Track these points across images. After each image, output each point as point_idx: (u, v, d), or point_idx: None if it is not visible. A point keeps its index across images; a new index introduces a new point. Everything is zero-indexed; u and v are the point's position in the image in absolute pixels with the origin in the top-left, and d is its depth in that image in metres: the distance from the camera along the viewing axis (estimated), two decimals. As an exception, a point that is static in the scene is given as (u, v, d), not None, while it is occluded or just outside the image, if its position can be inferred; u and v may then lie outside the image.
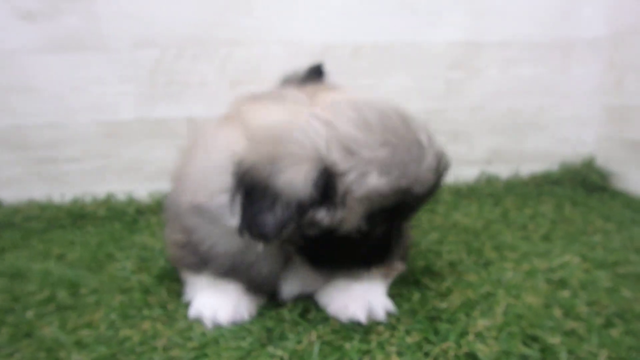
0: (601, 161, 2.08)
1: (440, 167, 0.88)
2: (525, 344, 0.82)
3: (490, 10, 2.02)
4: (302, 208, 0.78)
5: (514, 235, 1.46)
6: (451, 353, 0.81)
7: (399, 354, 0.82)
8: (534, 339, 0.84)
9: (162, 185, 1.70)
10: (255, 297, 1.01)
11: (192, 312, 0.99)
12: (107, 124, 1.88)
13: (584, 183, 2.03)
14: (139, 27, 1.82)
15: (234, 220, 0.82)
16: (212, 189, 0.87)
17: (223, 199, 0.85)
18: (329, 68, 1.94)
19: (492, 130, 2.11)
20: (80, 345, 0.90)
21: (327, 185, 0.79)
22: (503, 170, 2.12)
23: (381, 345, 0.84)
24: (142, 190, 1.91)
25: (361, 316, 0.92)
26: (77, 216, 1.76)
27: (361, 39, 1.97)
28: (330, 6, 1.93)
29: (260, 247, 0.89)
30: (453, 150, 2.08)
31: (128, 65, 1.84)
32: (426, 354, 0.81)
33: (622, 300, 0.98)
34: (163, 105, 1.91)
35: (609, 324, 0.89)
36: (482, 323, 0.89)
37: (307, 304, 1.01)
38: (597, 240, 1.37)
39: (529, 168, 2.12)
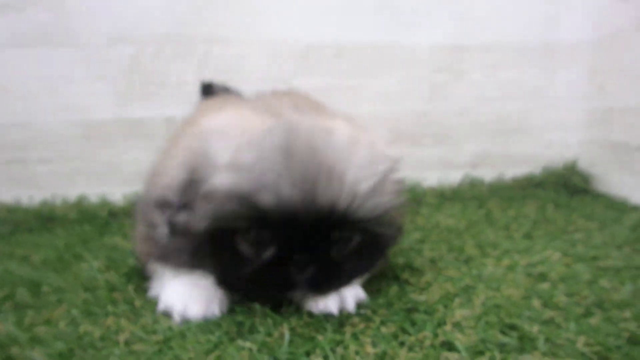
0: (584, 164, 2.08)
1: (317, 189, 0.76)
2: (503, 332, 0.79)
3: (475, 13, 2.02)
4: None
5: (497, 234, 1.44)
6: (427, 342, 0.77)
7: (374, 344, 0.78)
8: (512, 327, 0.81)
9: (138, 187, 1.66)
10: (228, 294, 0.97)
11: (161, 305, 0.94)
12: (80, 124, 1.83)
13: (566, 186, 2.02)
14: (113, 23, 1.78)
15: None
16: (172, 185, 0.88)
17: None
18: (312, 68, 1.94)
19: (477, 133, 2.10)
20: (35, 341, 0.84)
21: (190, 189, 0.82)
22: (488, 174, 2.11)
23: (355, 336, 0.81)
24: (117, 193, 1.86)
25: (332, 307, 0.89)
26: (45, 219, 1.70)
27: (345, 39, 1.95)
28: (313, 5, 1.91)
29: None
30: (439, 154, 2.09)
31: (102, 62, 1.80)
32: (401, 344, 0.78)
33: (601, 290, 0.96)
34: (139, 105, 1.86)
35: (587, 313, 0.86)
36: (460, 313, 0.86)
37: (280, 298, 0.97)
38: (578, 238, 1.36)
39: (513, 172, 2.11)
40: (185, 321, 0.89)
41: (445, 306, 0.90)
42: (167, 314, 0.92)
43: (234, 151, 0.79)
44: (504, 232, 1.46)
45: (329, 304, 0.90)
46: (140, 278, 1.10)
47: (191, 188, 0.82)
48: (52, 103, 1.80)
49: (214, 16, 1.86)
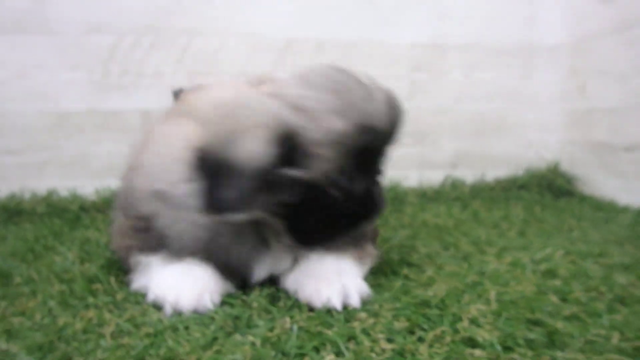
0: (566, 165, 2.07)
1: (392, 101, 0.88)
2: (528, 328, 0.74)
3: (455, 14, 2.01)
4: (261, 173, 0.77)
5: (488, 233, 1.40)
6: (447, 338, 0.71)
7: (389, 340, 0.71)
8: (536, 323, 0.76)
9: (111, 182, 1.56)
10: (221, 284, 0.89)
11: (151, 296, 0.86)
12: (52, 114, 1.72)
13: (550, 187, 2.01)
14: (91, 12, 1.69)
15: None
16: (172, 179, 0.86)
17: (186, 188, 0.85)
18: (291, 63, 1.88)
19: (457, 133, 2.08)
20: (9, 333, 0.75)
21: (286, 144, 0.78)
22: (467, 174, 2.08)
23: (365, 331, 0.74)
24: (89, 186, 1.75)
25: (336, 302, 0.82)
26: (12, 212, 1.59)
27: (324, 34, 1.91)
28: (293, 0, 1.87)
29: (232, 224, 0.85)
30: (418, 153, 2.05)
31: (79, 51, 1.70)
32: (420, 339, 0.72)
33: (618, 286, 0.92)
34: (115, 96, 1.77)
35: (611, 309, 0.82)
36: (475, 308, 0.80)
37: (275, 292, 0.91)
38: (575, 236, 1.33)
39: (493, 172, 2.09)
40: (177, 314, 0.81)
41: (458, 301, 0.85)
42: (158, 305, 0.84)
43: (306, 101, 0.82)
44: (495, 231, 1.43)
45: (331, 297, 0.83)
46: (120, 270, 1.01)
47: (288, 146, 0.79)
48: (23, 91, 1.69)
49: (195, 8, 1.79)
